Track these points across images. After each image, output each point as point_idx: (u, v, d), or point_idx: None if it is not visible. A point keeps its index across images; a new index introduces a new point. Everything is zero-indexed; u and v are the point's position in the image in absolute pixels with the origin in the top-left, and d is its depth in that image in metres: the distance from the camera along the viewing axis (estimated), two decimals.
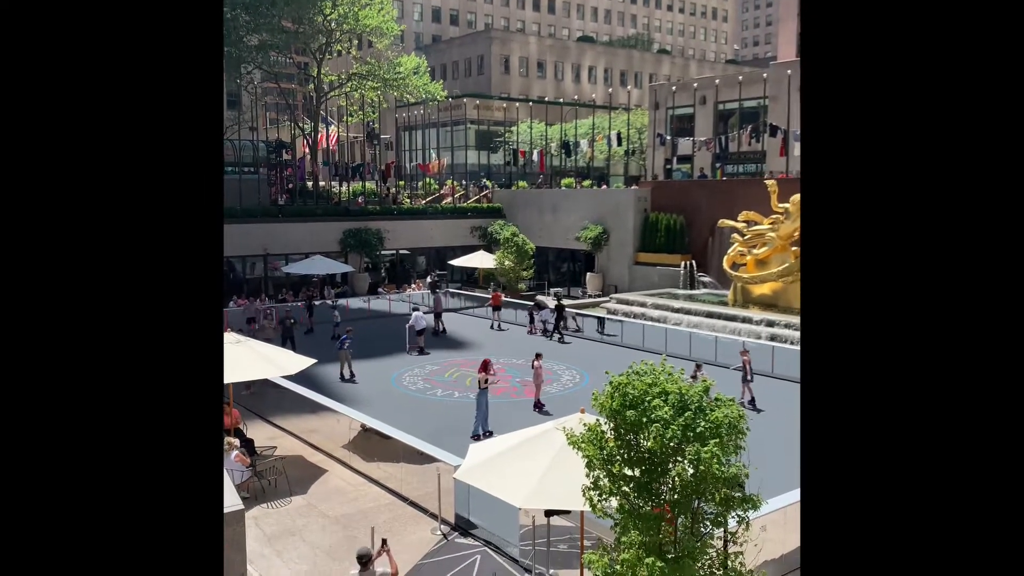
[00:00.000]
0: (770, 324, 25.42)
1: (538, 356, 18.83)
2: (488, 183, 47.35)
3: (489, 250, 36.61)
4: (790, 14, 63.58)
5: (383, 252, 37.63)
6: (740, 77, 39.64)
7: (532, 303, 29.22)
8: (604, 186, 44.27)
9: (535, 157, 44.90)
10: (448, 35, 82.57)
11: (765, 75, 38.46)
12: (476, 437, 15.72)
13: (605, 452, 7.34)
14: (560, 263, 40.20)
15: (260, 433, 16.16)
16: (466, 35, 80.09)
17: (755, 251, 28.64)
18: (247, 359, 13.83)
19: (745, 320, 26.23)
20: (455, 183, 46.90)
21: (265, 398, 18.41)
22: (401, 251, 39.27)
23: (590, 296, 35.10)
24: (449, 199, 43.58)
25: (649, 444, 7.02)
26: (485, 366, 17.07)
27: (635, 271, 35.20)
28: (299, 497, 13.16)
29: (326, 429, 15.98)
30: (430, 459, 12.63)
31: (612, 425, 7.43)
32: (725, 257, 29.88)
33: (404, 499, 13.04)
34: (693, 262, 33.35)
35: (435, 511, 12.16)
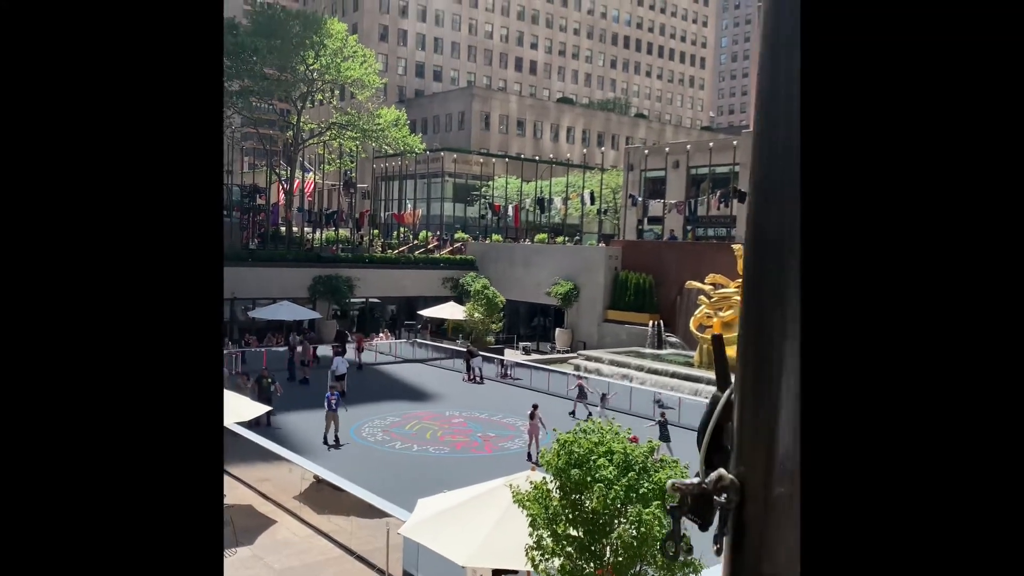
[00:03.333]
0: None
1: (535, 407, 19.05)
2: (463, 235, 47.54)
3: (460, 302, 36.60)
4: None
5: (352, 300, 37.44)
6: (711, 143, 40.63)
7: (465, 351, 29.90)
8: (574, 242, 44.69)
9: (510, 212, 45.35)
10: (431, 90, 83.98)
11: (735, 143, 39.45)
12: None
13: (550, 511, 7.27)
14: (531, 317, 40.26)
15: None
16: (449, 91, 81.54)
17: (721, 313, 28.93)
18: None
19: (709, 381, 26.30)
20: (430, 234, 47.10)
21: None
22: (371, 299, 39.10)
23: (559, 351, 35.09)
24: (423, 250, 43.69)
25: (592, 504, 6.96)
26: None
27: (604, 328, 35.33)
28: (245, 548, 12.78)
29: (278, 479, 15.63)
30: (381, 513, 12.37)
31: (558, 484, 7.38)
32: (692, 318, 30.13)
33: (352, 553, 12.72)
34: (661, 322, 33.58)
35: (383, 567, 11.86)
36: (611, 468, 6.94)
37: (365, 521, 12.98)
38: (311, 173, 45.99)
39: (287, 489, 15.08)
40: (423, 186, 56.41)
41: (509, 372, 29.38)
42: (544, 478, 7.72)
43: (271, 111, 45.87)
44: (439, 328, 38.28)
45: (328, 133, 44.69)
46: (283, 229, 42.39)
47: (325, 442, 19.13)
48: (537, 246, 41.13)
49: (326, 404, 19.34)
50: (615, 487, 6.77)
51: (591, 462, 7.07)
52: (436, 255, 42.51)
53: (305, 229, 42.86)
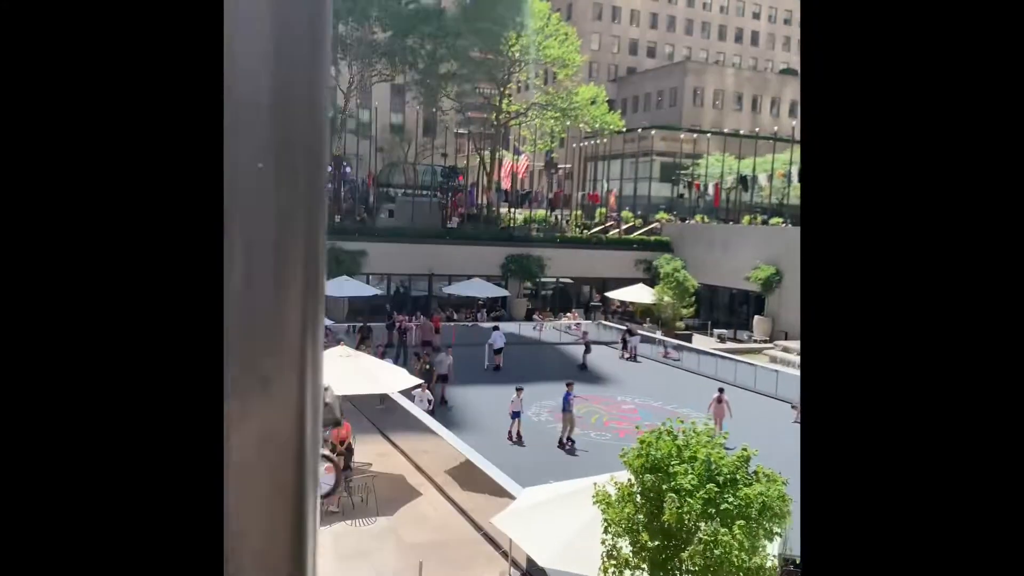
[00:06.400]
0: None
1: (721, 391, 18.86)
2: (664, 216, 45.68)
3: (651, 284, 35.37)
4: None
5: (543, 279, 37.56)
6: None
7: (624, 328, 30.81)
8: (778, 224, 41.30)
9: (711, 190, 43.01)
10: (644, 67, 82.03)
11: None
12: None
13: (626, 516, 6.45)
14: (727, 303, 38.00)
15: (372, 449, 16.35)
16: (660, 67, 79.18)
17: None
18: (350, 373, 14.03)
19: None
20: (626, 213, 45.88)
21: (392, 414, 18.72)
22: (562, 280, 39.01)
23: (755, 341, 32.74)
24: (615, 230, 42.72)
25: (666, 516, 6.04)
26: None
27: None
28: (384, 518, 13.06)
29: (436, 452, 15.89)
30: (512, 497, 12.05)
31: (639, 488, 6.54)
32: None
33: (486, 536, 12.54)
34: None
35: (510, 554, 11.53)
36: (691, 477, 5.98)
37: (501, 502, 12.73)
38: (524, 155, 46.62)
39: (440, 463, 15.28)
40: (630, 166, 55.15)
41: (669, 352, 28.87)
42: (629, 480, 6.89)
43: (476, 94, 47.15)
44: (626, 310, 37.36)
45: (531, 113, 45.07)
46: (486, 208, 43.54)
47: (561, 444, 17.98)
48: (737, 227, 38.61)
49: (563, 403, 18.06)
50: (689, 500, 5.81)
51: (670, 467, 6.15)
52: (629, 236, 41.39)
53: (503, 209, 43.69)
